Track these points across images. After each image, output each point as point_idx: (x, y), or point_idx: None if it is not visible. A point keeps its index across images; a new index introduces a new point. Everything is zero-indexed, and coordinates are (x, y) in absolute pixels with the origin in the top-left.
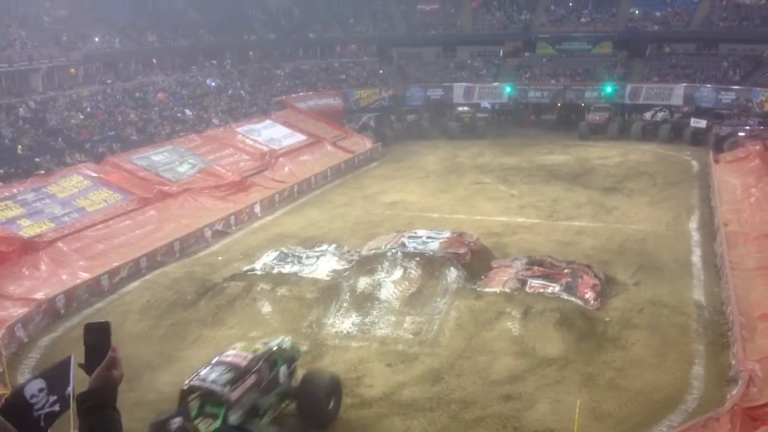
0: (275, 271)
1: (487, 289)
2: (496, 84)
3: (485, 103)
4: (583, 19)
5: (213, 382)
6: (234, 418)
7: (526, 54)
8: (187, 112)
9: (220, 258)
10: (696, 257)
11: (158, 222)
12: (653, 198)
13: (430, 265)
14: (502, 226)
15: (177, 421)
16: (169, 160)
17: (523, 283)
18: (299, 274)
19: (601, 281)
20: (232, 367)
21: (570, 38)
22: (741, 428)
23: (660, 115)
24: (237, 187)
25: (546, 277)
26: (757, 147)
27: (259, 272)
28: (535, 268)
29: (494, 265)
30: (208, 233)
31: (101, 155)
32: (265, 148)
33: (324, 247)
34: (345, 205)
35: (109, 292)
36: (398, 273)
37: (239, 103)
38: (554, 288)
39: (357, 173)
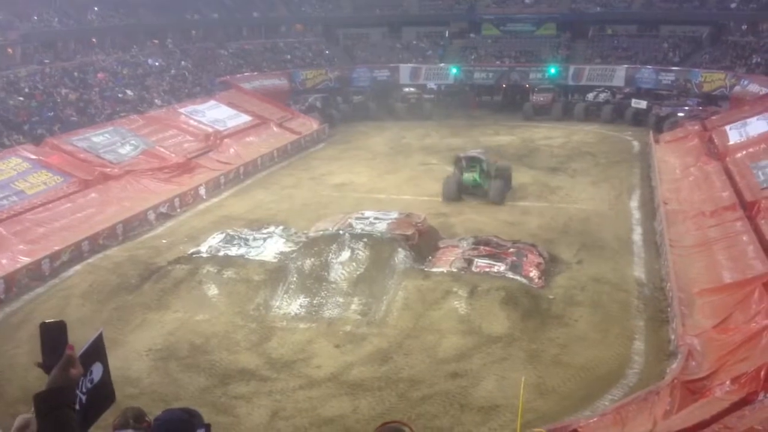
0: (221, 253)
1: (434, 269)
2: (442, 65)
3: (431, 84)
4: (527, 1)
5: (475, 154)
6: (485, 169)
7: (472, 35)
8: (129, 92)
9: (164, 241)
10: (637, 235)
11: (100, 205)
12: (596, 178)
13: (378, 246)
14: (449, 206)
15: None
16: (110, 141)
17: (470, 262)
18: (246, 257)
19: (545, 260)
20: (480, 152)
21: (515, 19)
22: (680, 401)
23: (602, 96)
24: (181, 169)
25: (492, 256)
26: (696, 127)
27: (204, 255)
28: (481, 247)
29: (441, 246)
30: (151, 216)
31: (40, 137)
32: (210, 129)
33: (271, 228)
34: (292, 186)
35: (50, 276)
36: (346, 254)
37: (182, 84)
38: (500, 267)
39: (304, 154)
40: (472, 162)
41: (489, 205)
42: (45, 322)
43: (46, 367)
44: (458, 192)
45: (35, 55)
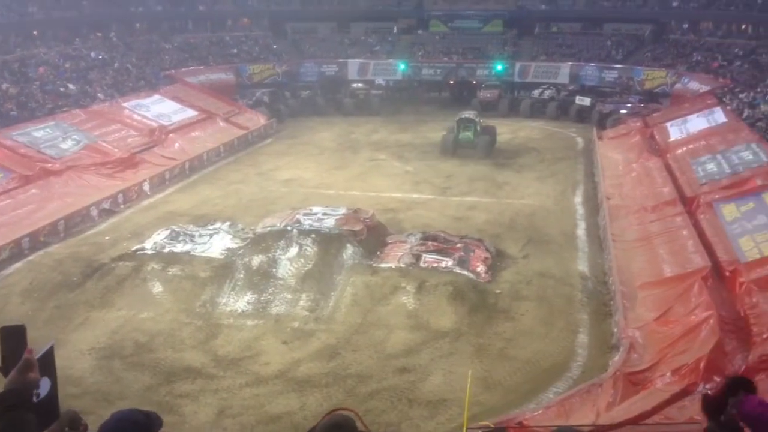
0: (166, 250)
1: (382, 265)
2: (390, 61)
3: (380, 80)
4: None
5: (470, 115)
6: (478, 130)
7: (420, 31)
8: (71, 86)
9: (107, 237)
10: (581, 230)
11: (41, 201)
12: (541, 173)
13: (326, 242)
14: (397, 202)
15: None
16: (51, 136)
17: (418, 258)
18: (192, 253)
19: (492, 255)
20: (473, 113)
21: (462, 16)
22: (623, 393)
23: (547, 93)
24: (125, 164)
25: (439, 251)
26: (638, 124)
27: (149, 252)
28: (429, 243)
29: (389, 241)
30: (94, 212)
31: None
32: (155, 124)
33: (217, 225)
34: (239, 182)
35: None
36: (294, 250)
37: (126, 77)
38: (447, 262)
39: (251, 150)
40: (468, 123)
41: (437, 200)
42: (5, 327)
43: (6, 371)
44: (454, 148)
45: None
